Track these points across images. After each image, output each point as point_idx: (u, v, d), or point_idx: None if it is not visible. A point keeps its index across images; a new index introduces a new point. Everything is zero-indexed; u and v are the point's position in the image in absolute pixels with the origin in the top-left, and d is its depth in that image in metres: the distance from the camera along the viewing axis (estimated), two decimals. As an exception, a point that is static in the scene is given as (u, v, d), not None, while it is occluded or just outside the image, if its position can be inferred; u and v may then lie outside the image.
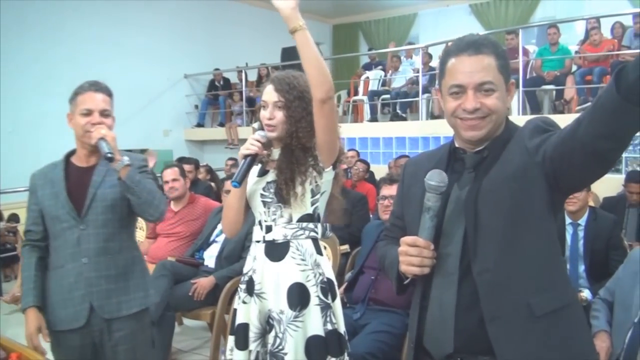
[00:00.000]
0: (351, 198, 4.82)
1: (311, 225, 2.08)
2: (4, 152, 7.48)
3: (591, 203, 3.83)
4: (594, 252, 3.33)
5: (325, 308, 2.04)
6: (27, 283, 2.30)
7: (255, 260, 2.11)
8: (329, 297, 2.07)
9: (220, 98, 11.21)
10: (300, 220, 2.07)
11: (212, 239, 4.07)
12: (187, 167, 5.22)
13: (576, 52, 8.11)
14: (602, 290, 2.70)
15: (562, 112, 7.54)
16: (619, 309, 2.49)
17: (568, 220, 3.41)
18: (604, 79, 7.11)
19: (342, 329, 2.10)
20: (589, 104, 6.86)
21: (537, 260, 1.42)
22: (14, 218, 6.85)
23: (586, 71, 7.41)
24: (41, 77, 8.29)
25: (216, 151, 10.85)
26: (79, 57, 8.90)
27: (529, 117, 1.64)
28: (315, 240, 2.11)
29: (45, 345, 2.27)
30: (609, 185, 5.58)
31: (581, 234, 3.38)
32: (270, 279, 2.06)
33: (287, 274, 2.04)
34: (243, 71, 10.94)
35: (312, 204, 2.08)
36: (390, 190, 3.40)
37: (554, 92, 7.87)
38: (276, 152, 2.12)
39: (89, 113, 2.23)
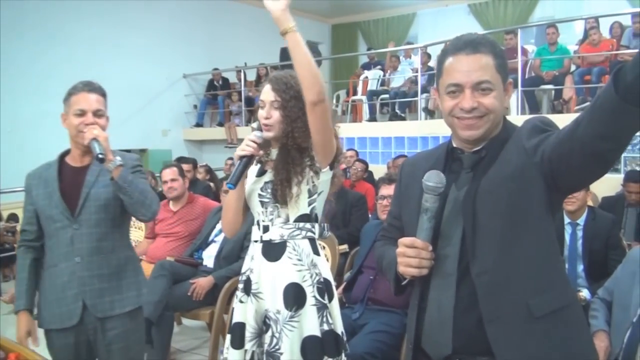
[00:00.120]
0: (350, 198, 4.83)
1: (308, 225, 2.09)
2: (3, 152, 7.49)
3: (590, 203, 3.83)
4: (592, 251, 3.32)
5: (322, 308, 2.04)
6: (20, 285, 2.34)
7: (253, 260, 2.12)
8: (326, 298, 2.07)
9: (219, 98, 11.22)
10: (298, 220, 2.07)
11: (210, 238, 4.07)
12: (185, 166, 5.22)
13: (575, 52, 8.11)
14: (601, 289, 2.70)
15: (560, 112, 7.54)
16: (618, 308, 2.49)
17: (567, 219, 3.41)
18: (602, 79, 7.11)
19: (339, 329, 2.10)
20: (587, 103, 6.88)
21: (536, 260, 1.41)
22: (13, 218, 6.85)
23: (585, 71, 7.41)
24: (40, 77, 8.30)
25: (215, 151, 10.85)
26: (78, 57, 8.90)
27: (528, 116, 1.64)
28: (312, 241, 2.11)
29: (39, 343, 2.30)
30: (607, 184, 5.58)
31: (580, 233, 3.38)
32: (267, 278, 2.06)
33: (283, 274, 2.04)
34: (242, 71, 10.94)
35: (309, 204, 2.08)
36: (389, 190, 3.40)
37: (553, 92, 7.88)
38: (274, 152, 2.13)
39: (82, 113, 2.24)
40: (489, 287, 1.40)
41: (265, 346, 2.03)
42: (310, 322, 2.01)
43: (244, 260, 2.22)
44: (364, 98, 10.04)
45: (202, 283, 3.68)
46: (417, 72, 9.08)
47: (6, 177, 6.46)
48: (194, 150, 11.27)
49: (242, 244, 3.64)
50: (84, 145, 2.22)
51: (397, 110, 9.25)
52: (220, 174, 7.87)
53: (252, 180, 2.15)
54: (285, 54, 11.09)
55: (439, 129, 6.76)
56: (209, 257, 3.98)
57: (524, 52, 7.99)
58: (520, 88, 7.36)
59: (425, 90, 8.60)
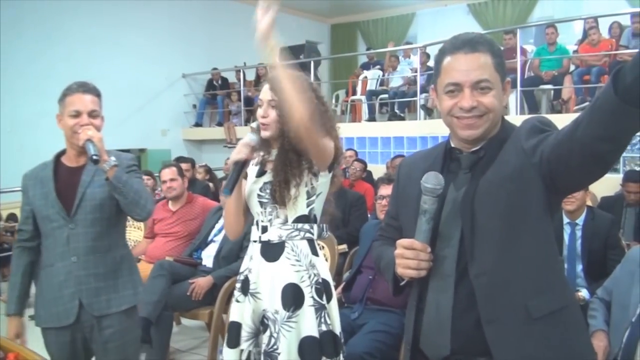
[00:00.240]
0: (349, 198, 4.83)
1: (307, 226, 2.09)
2: (2, 151, 7.48)
3: (589, 202, 3.83)
4: (591, 251, 3.33)
5: (320, 309, 2.05)
6: (12, 290, 2.37)
7: (252, 260, 2.13)
8: (324, 298, 2.07)
9: (219, 98, 11.21)
10: (296, 221, 2.08)
11: (210, 238, 4.07)
12: (183, 166, 5.22)
13: (574, 52, 8.11)
14: (600, 289, 2.70)
15: (559, 112, 7.54)
16: (617, 308, 2.49)
17: (566, 219, 3.41)
18: (601, 79, 7.11)
19: (337, 330, 2.10)
20: (587, 103, 6.90)
21: (535, 261, 1.41)
22: (12, 218, 6.84)
23: (584, 71, 7.41)
24: (39, 77, 8.29)
25: (214, 151, 10.84)
26: (77, 57, 8.90)
27: (527, 116, 1.64)
28: (311, 241, 2.12)
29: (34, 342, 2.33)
30: (606, 184, 5.58)
31: (579, 233, 3.38)
32: (266, 279, 2.07)
33: (281, 274, 2.05)
34: (241, 71, 10.93)
35: (308, 205, 2.09)
36: (388, 190, 3.40)
37: (552, 92, 7.88)
38: (274, 153, 2.13)
39: (77, 114, 2.25)
40: (488, 289, 1.40)
41: (263, 346, 2.04)
42: (308, 323, 2.02)
43: (242, 260, 2.22)
44: (363, 98, 10.04)
45: (201, 283, 3.68)
46: (415, 71, 9.08)
47: (5, 176, 6.46)
48: (193, 150, 11.27)
49: (242, 243, 3.64)
50: (79, 146, 2.23)
51: (397, 110, 9.25)
52: (220, 174, 7.87)
53: (251, 180, 2.15)
54: (284, 54, 11.09)
55: (438, 129, 6.75)
56: (208, 256, 3.98)
57: (523, 52, 7.99)
58: (519, 88, 7.36)
59: (424, 90, 8.59)
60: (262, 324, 2.08)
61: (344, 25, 14.57)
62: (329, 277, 2.15)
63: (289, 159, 2.05)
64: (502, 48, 7.96)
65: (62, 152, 2.41)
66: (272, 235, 2.08)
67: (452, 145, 1.55)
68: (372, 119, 9.55)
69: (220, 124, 11.05)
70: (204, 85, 11.52)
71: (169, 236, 4.27)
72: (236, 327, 2.12)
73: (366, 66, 11.43)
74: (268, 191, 2.07)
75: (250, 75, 11.42)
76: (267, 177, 2.09)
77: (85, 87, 2.30)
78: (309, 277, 2.06)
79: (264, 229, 2.10)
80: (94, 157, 2.12)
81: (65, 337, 2.30)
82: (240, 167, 2.06)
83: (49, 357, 2.33)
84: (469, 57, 1.41)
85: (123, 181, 2.22)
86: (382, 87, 10.12)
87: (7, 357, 1.99)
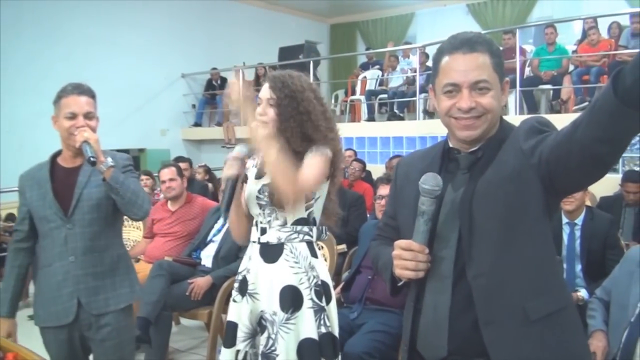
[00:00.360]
0: (348, 198, 4.83)
1: (306, 228, 2.09)
2: (1, 151, 7.47)
3: (588, 202, 3.84)
4: (590, 251, 3.33)
5: (319, 311, 2.05)
6: (5, 292, 2.38)
7: (250, 260, 2.13)
8: (323, 300, 2.07)
9: (218, 97, 11.20)
10: (295, 223, 2.08)
11: (209, 238, 4.07)
12: (182, 165, 5.22)
13: (573, 52, 8.11)
14: (599, 289, 2.70)
15: (559, 112, 7.55)
16: (616, 308, 2.49)
17: (565, 219, 3.41)
18: (601, 79, 7.11)
19: (336, 331, 2.10)
20: (586, 103, 6.91)
21: (533, 263, 1.40)
22: (11, 218, 6.82)
23: (583, 71, 7.41)
24: (38, 76, 8.28)
25: (214, 150, 10.84)
26: (76, 56, 8.90)
27: (526, 116, 1.63)
28: (310, 243, 2.12)
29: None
30: (606, 184, 5.59)
31: (578, 233, 3.38)
32: (264, 280, 2.07)
33: (280, 276, 2.05)
34: (240, 70, 10.91)
35: (307, 209, 2.09)
36: (387, 189, 3.40)
37: (551, 92, 7.88)
38: None
39: (73, 116, 2.26)
40: (485, 290, 1.39)
41: (261, 347, 2.04)
42: (307, 325, 2.02)
43: (241, 259, 2.22)
44: (363, 98, 10.04)
45: (200, 283, 3.68)
46: (415, 71, 9.08)
47: (4, 176, 6.45)
48: (192, 149, 11.26)
49: (241, 243, 3.64)
50: (76, 147, 2.24)
51: (396, 110, 9.25)
52: (219, 174, 7.87)
53: (251, 182, 2.16)
54: (283, 53, 11.11)
55: (437, 129, 6.73)
56: (207, 256, 3.98)
57: (522, 52, 7.99)
58: (518, 88, 7.36)
59: (423, 90, 8.60)
60: (259, 325, 2.07)
61: (343, 25, 14.57)
62: (328, 279, 2.15)
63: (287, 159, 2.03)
64: (501, 48, 7.95)
65: (58, 153, 2.42)
66: (271, 237, 2.08)
67: (450, 145, 1.53)
68: (371, 119, 9.55)
69: (219, 124, 11.04)
70: (203, 85, 11.51)
71: (168, 236, 4.27)
72: (233, 327, 2.12)
73: (365, 66, 11.43)
74: (266, 194, 2.06)
75: (250, 75, 11.41)
76: (266, 179, 2.08)
77: (81, 89, 2.31)
78: (308, 279, 2.06)
79: (263, 231, 2.10)
80: (92, 159, 2.14)
81: (63, 335, 2.32)
82: (234, 182, 2.07)
83: (48, 355, 2.34)
84: (468, 57, 1.40)
85: (120, 182, 2.24)
86: (381, 87, 10.12)
87: (5, 357, 1.99)
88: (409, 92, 9.16)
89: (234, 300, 2.15)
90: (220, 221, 4.01)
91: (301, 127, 2.04)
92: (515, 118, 6.32)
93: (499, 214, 1.39)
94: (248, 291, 2.10)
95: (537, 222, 1.40)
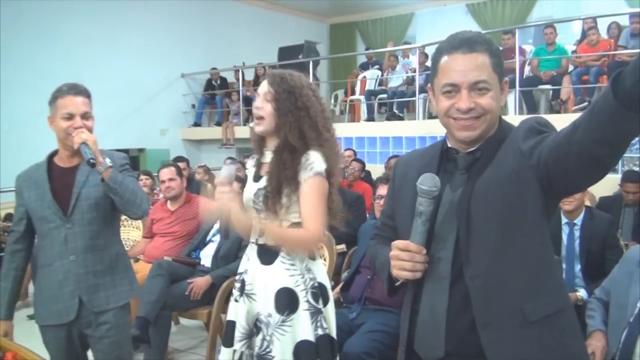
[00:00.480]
0: (348, 198, 4.82)
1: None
2: (1, 151, 7.47)
3: (587, 203, 3.83)
4: (590, 251, 3.32)
5: (316, 313, 2.04)
6: (3, 295, 2.39)
7: (249, 261, 2.14)
8: (320, 302, 2.07)
9: (217, 97, 11.21)
10: (292, 226, 2.07)
11: (208, 238, 4.07)
12: (180, 164, 5.23)
13: (573, 52, 8.11)
14: (598, 289, 2.70)
15: (558, 112, 7.55)
16: (615, 308, 2.49)
17: (564, 219, 3.41)
18: (600, 79, 7.12)
19: (334, 333, 2.10)
20: (585, 103, 6.91)
21: (530, 264, 1.39)
22: (10, 217, 6.82)
23: (583, 71, 7.41)
24: (38, 76, 8.29)
25: (213, 150, 10.85)
26: (76, 56, 8.90)
27: (526, 116, 1.62)
28: None
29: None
30: (605, 184, 5.59)
31: (577, 233, 3.38)
32: (261, 281, 2.08)
33: (276, 278, 2.05)
34: (240, 70, 10.92)
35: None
36: (386, 189, 3.39)
37: (551, 92, 7.88)
38: (268, 155, 2.12)
39: (70, 117, 2.27)
40: (483, 291, 1.38)
41: (256, 349, 2.04)
42: (303, 327, 2.02)
43: (241, 259, 2.22)
44: (362, 98, 10.04)
45: (200, 283, 3.68)
46: (414, 71, 9.08)
47: (4, 176, 6.45)
48: (192, 149, 11.27)
49: (240, 243, 3.64)
50: (74, 148, 2.25)
51: (395, 110, 9.25)
52: (219, 174, 7.86)
53: (249, 184, 2.16)
54: (283, 53, 11.10)
55: (436, 129, 6.71)
56: (206, 256, 3.98)
57: (522, 52, 7.99)
58: (518, 88, 7.36)
59: (423, 90, 8.60)
60: (255, 326, 2.08)
61: (342, 25, 14.58)
62: (326, 281, 2.14)
63: (283, 160, 2.03)
64: (500, 48, 7.97)
65: (54, 153, 2.43)
66: (268, 239, 2.08)
67: (449, 145, 1.52)
68: (370, 118, 9.55)
69: (219, 124, 11.05)
70: (203, 85, 11.53)
71: (167, 236, 4.27)
72: (232, 326, 2.13)
73: (365, 66, 11.43)
74: (261, 199, 2.06)
75: (249, 75, 11.42)
76: (262, 183, 2.08)
77: (77, 89, 2.31)
78: (304, 282, 2.06)
79: (261, 232, 2.10)
80: (92, 161, 2.15)
81: (62, 333, 2.34)
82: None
83: (47, 352, 2.37)
84: (467, 57, 1.39)
85: (119, 182, 2.25)
86: (380, 87, 10.13)
87: (5, 357, 2.00)
88: (408, 92, 9.16)
89: (236, 300, 2.15)
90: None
91: (299, 123, 2.03)
92: (514, 118, 6.33)
93: (497, 214, 1.38)
94: (245, 291, 2.11)
95: (535, 223, 1.39)
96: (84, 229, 2.32)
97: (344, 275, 3.77)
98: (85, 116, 2.29)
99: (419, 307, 1.51)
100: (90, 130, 2.28)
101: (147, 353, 3.66)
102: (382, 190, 3.50)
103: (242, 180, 2.20)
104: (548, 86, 7.77)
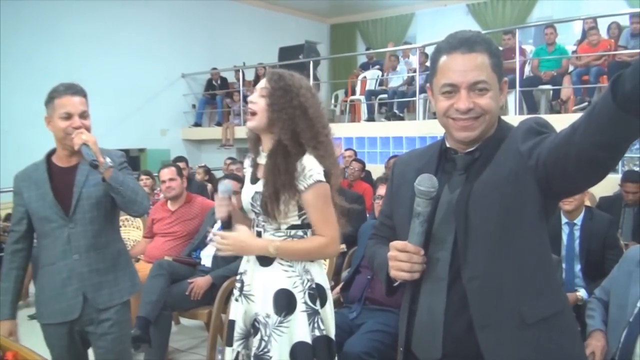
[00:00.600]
0: (348, 198, 4.82)
1: (300, 232, 2.09)
2: (1, 151, 7.48)
3: (587, 202, 3.84)
4: (590, 251, 3.33)
5: (313, 314, 2.05)
6: (5, 295, 2.39)
7: (248, 262, 2.15)
8: (318, 303, 2.07)
9: (218, 97, 11.21)
10: (289, 228, 2.08)
11: (208, 238, 4.07)
12: (179, 164, 5.24)
13: (573, 52, 8.11)
14: (598, 289, 2.70)
15: (558, 112, 7.55)
16: (615, 308, 2.50)
17: (564, 219, 3.41)
18: (600, 79, 7.12)
19: (332, 334, 2.11)
20: (586, 104, 6.90)
21: (529, 266, 1.39)
22: (10, 218, 6.83)
23: (583, 71, 7.41)
24: (37, 76, 8.29)
25: (214, 151, 10.85)
26: (75, 56, 8.91)
27: (526, 117, 1.61)
28: None
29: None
30: (605, 184, 5.57)
31: (577, 233, 3.38)
32: (259, 282, 2.09)
33: (274, 279, 2.06)
34: (240, 71, 10.93)
35: (300, 216, 2.08)
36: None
37: (551, 92, 7.88)
38: (264, 156, 2.11)
39: (69, 117, 2.28)
40: (480, 293, 1.38)
41: (254, 349, 2.04)
42: (300, 328, 2.02)
43: (241, 259, 2.23)
44: (362, 98, 10.04)
45: (200, 282, 3.68)
46: (414, 71, 9.08)
47: (4, 176, 6.45)
48: (192, 149, 11.28)
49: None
50: (72, 147, 2.26)
51: (396, 110, 9.25)
52: (219, 174, 7.88)
53: (246, 185, 2.17)
54: (284, 53, 11.10)
55: (437, 129, 6.63)
56: (207, 256, 3.98)
57: (522, 52, 7.99)
58: (518, 88, 7.36)
59: (423, 90, 8.60)
60: (252, 327, 2.08)
61: (343, 25, 14.58)
62: (324, 282, 2.14)
63: (277, 165, 2.02)
64: (501, 48, 7.98)
65: (52, 152, 2.44)
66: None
67: (448, 145, 1.52)
68: (371, 119, 9.55)
69: (219, 124, 11.05)
70: (204, 85, 11.53)
71: (167, 236, 4.27)
72: (232, 325, 2.14)
73: (365, 66, 11.43)
74: (258, 202, 2.06)
75: (250, 75, 11.42)
76: (259, 186, 2.08)
77: (74, 89, 2.32)
78: (302, 283, 2.06)
79: (259, 234, 2.12)
80: (95, 163, 2.17)
81: (64, 330, 2.37)
82: (228, 222, 2.12)
83: (48, 348, 2.41)
84: (466, 57, 1.38)
85: (120, 181, 2.27)
86: (381, 87, 10.13)
87: (5, 356, 2.00)
88: (408, 92, 9.17)
89: (236, 300, 2.16)
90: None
91: (292, 122, 2.01)
92: (515, 118, 6.33)
93: (495, 216, 1.37)
94: (244, 292, 2.12)
95: (534, 225, 1.39)
96: (86, 228, 2.34)
97: (344, 274, 3.78)
98: (83, 115, 2.31)
99: (416, 307, 1.51)
100: (88, 129, 2.29)
101: (148, 353, 3.66)
102: (382, 190, 3.50)
103: (241, 180, 2.20)
104: (548, 86, 7.77)
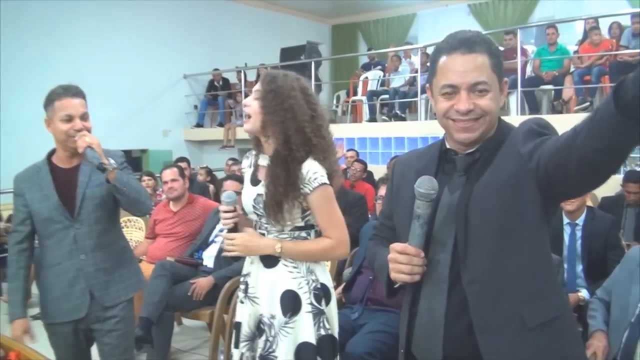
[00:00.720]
0: (350, 198, 4.83)
1: (303, 233, 2.09)
2: (3, 152, 7.49)
3: (589, 203, 3.84)
4: (591, 251, 3.33)
5: (318, 314, 2.05)
6: (15, 294, 2.40)
7: (252, 264, 2.14)
8: (323, 303, 2.07)
9: (220, 98, 11.22)
10: (293, 229, 2.08)
11: (211, 239, 4.08)
12: (181, 164, 5.25)
13: (575, 52, 8.11)
14: (599, 290, 2.70)
15: (560, 113, 7.55)
16: (616, 308, 2.50)
17: (566, 220, 3.41)
18: (602, 79, 7.12)
19: (336, 332, 2.11)
20: (587, 104, 6.90)
21: (529, 270, 1.38)
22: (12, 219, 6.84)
23: (585, 71, 7.41)
24: (40, 77, 8.23)
25: (216, 151, 10.86)
26: (78, 57, 8.91)
27: (528, 117, 1.60)
28: None
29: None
30: (607, 184, 5.49)
31: (579, 233, 3.38)
32: (264, 284, 2.08)
33: (279, 281, 2.06)
34: (242, 71, 10.93)
35: (303, 218, 2.08)
36: (387, 190, 3.41)
37: (553, 92, 7.88)
38: (263, 158, 2.11)
39: (70, 119, 2.28)
40: (480, 297, 1.37)
41: (259, 350, 2.05)
42: (305, 329, 2.02)
43: (244, 260, 2.23)
44: (364, 98, 10.04)
45: (202, 283, 3.69)
46: (416, 72, 9.08)
47: (7, 177, 6.46)
48: (194, 150, 11.29)
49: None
50: (73, 148, 2.27)
51: (397, 111, 9.25)
52: (221, 174, 7.88)
53: (247, 187, 2.16)
54: (285, 54, 11.11)
55: (438, 129, 6.62)
56: (209, 257, 3.99)
57: (524, 52, 7.99)
58: (520, 88, 7.36)
59: (425, 90, 8.58)
60: (257, 328, 2.09)
61: (344, 25, 14.58)
62: (328, 281, 2.15)
63: (277, 175, 2.00)
64: (502, 48, 7.98)
65: (51, 153, 2.44)
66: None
67: (448, 146, 1.51)
68: (372, 119, 9.56)
69: (221, 125, 11.06)
70: (205, 86, 11.52)
71: (170, 237, 4.28)
72: (239, 327, 2.15)
73: (367, 67, 11.44)
74: (261, 205, 2.05)
75: (252, 76, 11.42)
76: (260, 189, 2.07)
77: (73, 91, 2.33)
78: (307, 284, 2.06)
79: (262, 235, 2.11)
80: (103, 166, 2.19)
81: (69, 328, 2.39)
82: (235, 229, 2.12)
83: (52, 347, 2.43)
84: (466, 57, 1.37)
85: (124, 182, 2.29)
86: (382, 87, 10.13)
87: (8, 356, 2.01)
88: (410, 92, 9.16)
89: (241, 302, 2.17)
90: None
91: (284, 125, 1.99)
92: (516, 119, 6.33)
93: (496, 219, 1.37)
94: (248, 294, 2.12)
95: (534, 228, 1.38)
96: (92, 228, 2.37)
97: (346, 272, 3.78)
98: (84, 117, 2.32)
99: (417, 309, 1.50)
100: (89, 131, 2.30)
101: (150, 353, 3.67)
102: (384, 190, 3.50)
103: (242, 181, 2.21)
104: (550, 86, 7.77)
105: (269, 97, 2.01)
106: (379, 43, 13.39)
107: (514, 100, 7.51)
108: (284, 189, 1.98)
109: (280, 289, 2.05)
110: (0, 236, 6.38)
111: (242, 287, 2.18)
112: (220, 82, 11.32)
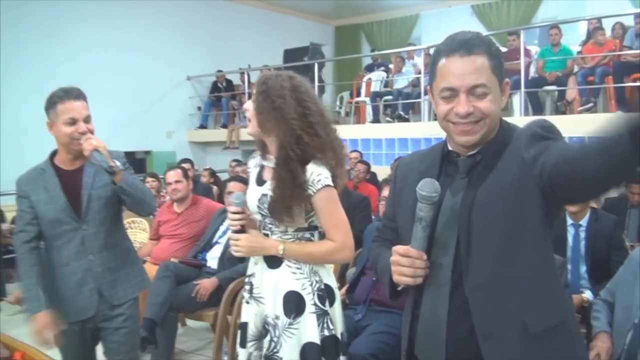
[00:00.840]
0: (353, 199, 4.83)
1: (307, 234, 2.10)
2: (5, 153, 7.50)
3: (593, 204, 3.83)
4: (595, 253, 3.32)
5: (322, 315, 2.05)
6: (30, 290, 2.37)
7: (256, 265, 2.15)
8: (326, 304, 2.08)
9: (223, 100, 11.24)
10: (297, 230, 2.08)
11: (214, 240, 4.09)
12: (184, 165, 5.26)
13: (578, 53, 8.09)
14: (603, 291, 2.70)
15: (564, 113, 7.54)
16: (620, 309, 2.50)
17: (569, 221, 3.41)
18: (605, 80, 7.10)
19: (339, 332, 2.11)
20: (591, 104, 6.89)
21: (532, 275, 1.37)
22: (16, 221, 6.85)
23: (588, 72, 7.40)
24: (42, 78, 8.28)
25: (219, 153, 10.87)
26: (80, 59, 8.93)
27: (531, 118, 1.59)
28: None
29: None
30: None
31: (582, 234, 3.37)
32: (268, 285, 2.09)
33: (283, 281, 2.06)
34: (245, 73, 10.95)
35: (307, 220, 2.08)
36: (391, 191, 3.41)
37: (556, 93, 7.87)
38: (271, 159, 2.11)
39: (73, 122, 2.29)
40: (483, 303, 1.37)
41: (264, 350, 2.06)
42: (309, 329, 2.03)
43: (248, 261, 2.24)
44: (368, 99, 10.04)
45: (206, 284, 3.69)
46: (419, 73, 9.07)
47: (9, 178, 6.48)
48: (198, 152, 11.30)
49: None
50: (77, 151, 2.29)
51: (401, 112, 9.25)
52: (224, 176, 7.89)
53: (252, 187, 2.17)
54: (288, 55, 11.12)
55: (442, 131, 6.66)
56: (212, 258, 4.00)
57: (527, 53, 7.98)
58: (523, 89, 7.36)
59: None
60: (263, 328, 2.10)
61: (348, 27, 14.59)
62: (332, 282, 2.15)
63: (283, 178, 2.00)
64: (505, 49, 7.97)
65: (53, 155, 2.45)
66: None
67: (450, 148, 1.50)
68: (376, 120, 9.56)
69: (224, 126, 11.07)
70: (209, 87, 11.55)
71: (173, 238, 4.29)
72: (245, 327, 2.16)
73: (370, 68, 11.43)
74: (266, 205, 2.05)
75: (255, 78, 11.42)
76: (265, 189, 2.07)
77: (75, 94, 2.33)
78: (311, 284, 2.06)
79: (266, 236, 2.12)
80: (111, 169, 2.21)
81: (76, 327, 2.42)
82: (241, 231, 2.12)
83: (58, 347, 2.43)
84: (465, 60, 1.35)
85: (129, 183, 2.31)
86: (386, 88, 10.12)
87: (13, 356, 2.02)
88: (413, 93, 9.16)
89: (247, 302, 2.18)
90: (226, 223, 4.02)
91: (275, 124, 2.00)
92: (520, 119, 6.33)
93: (499, 224, 1.36)
94: (253, 295, 2.13)
95: (537, 233, 1.37)
96: (98, 229, 2.40)
97: (349, 272, 3.78)
98: (87, 120, 2.33)
99: (419, 312, 1.50)
100: (92, 133, 2.31)
101: (154, 354, 3.68)
102: (387, 191, 3.51)
103: (247, 182, 2.21)
104: (553, 87, 7.76)
105: (260, 98, 2.03)
106: (382, 44, 13.39)
107: (518, 101, 7.50)
108: (291, 191, 1.98)
109: (284, 290, 2.05)
110: (5, 237, 6.40)
111: (247, 287, 2.19)
112: (224, 84, 11.34)
